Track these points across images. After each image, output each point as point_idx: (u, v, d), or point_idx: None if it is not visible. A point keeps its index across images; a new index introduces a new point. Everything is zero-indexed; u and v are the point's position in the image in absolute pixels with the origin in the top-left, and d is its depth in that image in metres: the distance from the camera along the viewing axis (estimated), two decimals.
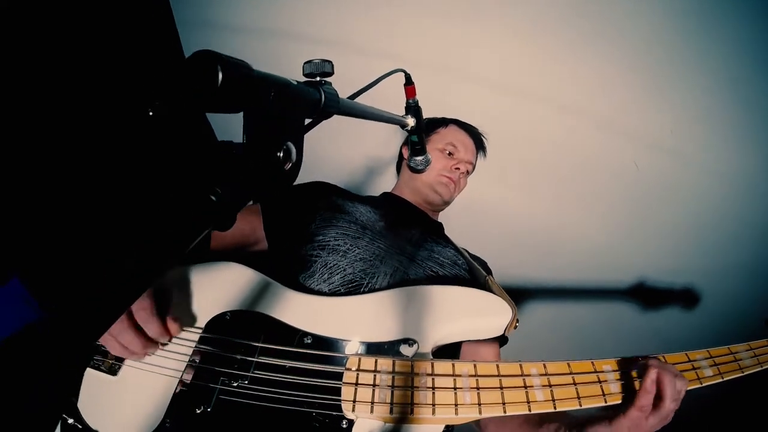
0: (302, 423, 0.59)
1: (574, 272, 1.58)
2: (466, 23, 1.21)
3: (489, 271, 1.03)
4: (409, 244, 0.89)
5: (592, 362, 0.64)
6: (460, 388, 0.61)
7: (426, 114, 0.75)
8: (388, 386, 0.61)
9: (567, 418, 0.67)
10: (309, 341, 0.66)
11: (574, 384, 0.62)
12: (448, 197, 1.08)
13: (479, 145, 1.18)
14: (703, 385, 0.65)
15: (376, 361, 0.63)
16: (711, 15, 1.07)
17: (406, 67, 0.70)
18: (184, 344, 0.67)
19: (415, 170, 0.82)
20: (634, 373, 0.63)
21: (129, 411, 0.63)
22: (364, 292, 0.76)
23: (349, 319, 0.69)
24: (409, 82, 0.71)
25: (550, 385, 0.61)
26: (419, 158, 0.81)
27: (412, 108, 0.71)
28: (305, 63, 0.41)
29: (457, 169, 1.07)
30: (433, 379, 0.61)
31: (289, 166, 0.33)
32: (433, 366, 0.62)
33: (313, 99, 0.38)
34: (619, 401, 0.62)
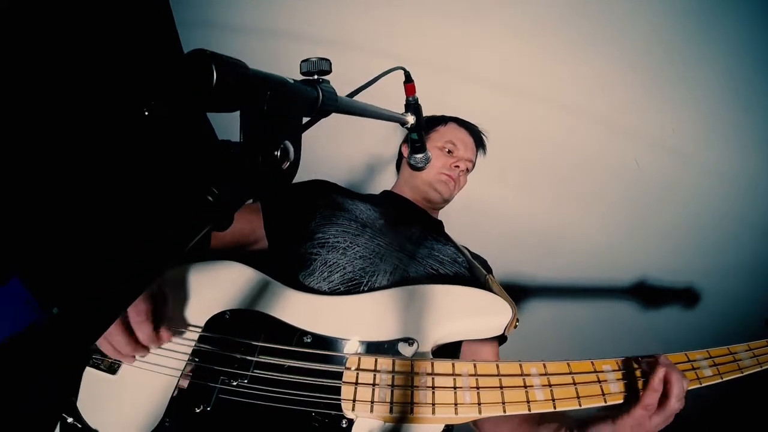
0: (302, 422, 0.59)
1: (575, 272, 1.58)
2: (466, 23, 1.21)
3: (489, 270, 1.03)
4: (409, 242, 0.89)
5: (591, 362, 0.64)
6: (460, 387, 0.61)
7: (425, 114, 0.75)
8: (388, 385, 0.60)
9: (567, 419, 0.67)
10: (309, 340, 0.66)
11: (574, 384, 0.62)
12: (448, 195, 1.08)
13: (479, 142, 1.18)
14: (703, 385, 0.65)
15: (375, 361, 0.63)
16: (711, 15, 1.07)
17: (406, 67, 0.70)
18: (183, 343, 0.67)
19: (415, 168, 0.82)
20: (636, 373, 0.63)
21: (128, 410, 0.63)
22: (363, 291, 0.76)
23: (348, 318, 0.69)
24: (408, 80, 0.71)
25: (549, 385, 0.61)
26: (419, 156, 0.81)
27: (412, 106, 0.71)
28: (302, 61, 0.41)
29: (457, 166, 1.07)
30: (432, 378, 0.61)
31: (286, 165, 0.33)
32: (432, 365, 0.62)
33: (310, 97, 0.38)
34: (620, 401, 0.62)
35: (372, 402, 0.59)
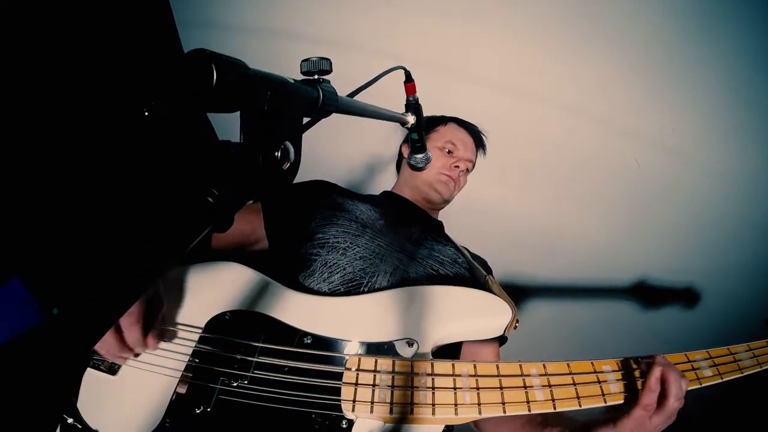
0: (302, 423, 0.59)
1: (575, 272, 1.58)
2: (466, 23, 1.21)
3: (489, 270, 1.03)
4: (410, 243, 0.89)
5: (591, 362, 0.64)
6: (460, 388, 0.61)
7: (425, 114, 0.75)
8: (388, 386, 0.60)
9: (569, 422, 0.67)
10: (309, 341, 0.66)
11: (574, 384, 0.62)
12: (448, 195, 1.08)
13: (479, 143, 1.18)
14: (703, 385, 0.65)
15: (375, 361, 0.63)
16: (711, 15, 1.07)
17: (406, 67, 0.70)
18: (183, 344, 0.67)
19: (416, 168, 0.82)
20: (636, 373, 0.63)
21: (128, 411, 0.63)
22: (364, 292, 0.76)
23: (348, 319, 0.69)
24: (409, 80, 0.70)
25: (549, 386, 0.61)
26: (420, 156, 0.80)
27: (413, 105, 0.71)
28: (303, 61, 0.41)
29: (457, 167, 1.07)
30: (432, 379, 0.61)
31: (287, 165, 0.33)
32: (432, 366, 0.62)
33: (310, 97, 0.38)
34: (621, 401, 0.62)
35: (372, 403, 0.59)
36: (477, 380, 0.61)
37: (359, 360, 0.63)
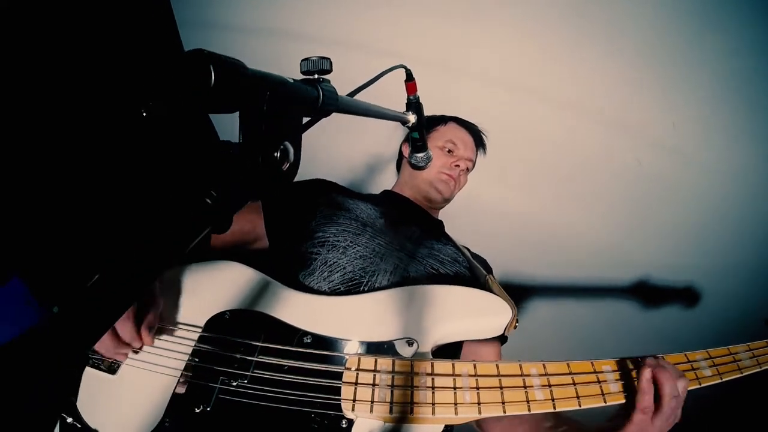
0: (302, 423, 0.59)
1: (575, 271, 1.58)
2: (466, 23, 1.21)
3: (489, 270, 1.03)
4: (410, 242, 0.89)
5: (591, 362, 0.64)
6: (460, 387, 0.61)
7: (425, 113, 0.75)
8: (388, 386, 0.60)
9: (576, 429, 0.67)
10: (309, 341, 0.66)
11: (574, 384, 0.62)
12: (449, 194, 1.08)
13: (479, 142, 1.18)
14: (702, 385, 0.65)
15: (375, 361, 0.63)
16: (713, 15, 1.07)
17: (406, 66, 0.69)
18: (183, 343, 0.67)
19: (417, 167, 0.82)
20: (635, 373, 0.63)
21: (128, 410, 0.63)
22: (364, 291, 0.76)
23: (348, 318, 0.69)
24: (410, 78, 0.70)
25: (549, 385, 0.61)
26: (420, 155, 0.80)
27: (413, 104, 0.71)
28: (302, 60, 0.41)
29: (457, 166, 1.07)
30: (432, 378, 0.61)
31: (286, 165, 0.33)
32: (432, 365, 0.62)
33: (310, 97, 0.38)
34: (620, 401, 0.62)
35: (372, 402, 0.59)
36: (477, 380, 0.61)
37: (359, 359, 0.63)
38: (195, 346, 0.67)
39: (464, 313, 0.71)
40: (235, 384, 0.62)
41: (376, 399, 0.59)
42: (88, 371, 0.67)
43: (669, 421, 0.59)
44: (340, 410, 0.59)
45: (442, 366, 0.62)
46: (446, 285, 0.75)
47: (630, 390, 0.62)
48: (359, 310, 0.71)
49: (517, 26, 1.19)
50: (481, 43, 1.23)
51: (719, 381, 0.66)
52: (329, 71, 0.42)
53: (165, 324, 0.69)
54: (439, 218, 1.13)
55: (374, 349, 0.65)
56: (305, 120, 0.40)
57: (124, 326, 0.63)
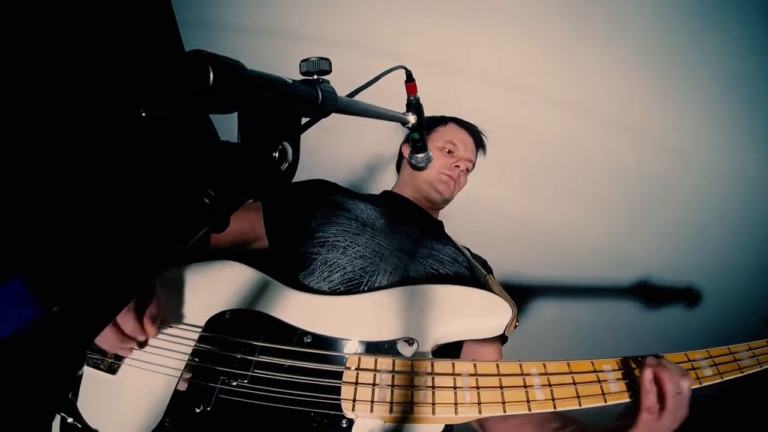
0: (302, 422, 0.59)
1: (575, 271, 1.58)
2: (466, 23, 1.21)
3: (489, 270, 1.03)
4: (410, 242, 0.89)
5: (591, 362, 0.64)
6: (460, 387, 0.61)
7: (425, 113, 0.75)
8: (388, 385, 0.60)
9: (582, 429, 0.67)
10: (309, 340, 0.66)
11: (574, 384, 0.62)
12: (449, 195, 1.08)
13: (479, 142, 1.18)
14: (703, 385, 0.65)
15: (375, 361, 0.63)
16: (713, 15, 1.07)
17: (406, 67, 0.69)
18: (183, 343, 0.67)
19: (417, 167, 0.82)
20: (636, 372, 0.63)
21: (128, 410, 0.63)
22: (364, 291, 0.76)
23: (348, 318, 0.69)
24: (410, 79, 0.70)
25: (549, 385, 0.61)
26: (420, 155, 0.80)
27: (413, 105, 0.71)
28: (302, 61, 0.41)
29: (457, 167, 1.07)
30: (432, 378, 0.61)
31: (285, 166, 0.33)
32: (432, 365, 0.62)
33: (310, 97, 0.38)
34: (620, 400, 0.62)
35: (372, 402, 0.59)
36: (477, 379, 0.61)
37: (359, 359, 0.63)
38: (195, 345, 0.67)
39: (464, 312, 0.71)
40: (235, 384, 0.62)
41: (376, 399, 0.59)
42: (89, 371, 0.67)
43: (676, 417, 0.59)
44: (340, 410, 0.59)
45: (443, 365, 0.62)
46: (446, 285, 0.75)
47: (631, 389, 0.62)
48: (359, 309, 0.71)
49: (517, 26, 1.19)
50: (481, 43, 1.23)
51: (720, 380, 0.66)
52: (328, 72, 0.42)
53: (165, 324, 0.69)
54: (439, 218, 1.13)
55: (374, 348, 0.65)
56: (304, 120, 0.40)
57: (125, 320, 0.63)
